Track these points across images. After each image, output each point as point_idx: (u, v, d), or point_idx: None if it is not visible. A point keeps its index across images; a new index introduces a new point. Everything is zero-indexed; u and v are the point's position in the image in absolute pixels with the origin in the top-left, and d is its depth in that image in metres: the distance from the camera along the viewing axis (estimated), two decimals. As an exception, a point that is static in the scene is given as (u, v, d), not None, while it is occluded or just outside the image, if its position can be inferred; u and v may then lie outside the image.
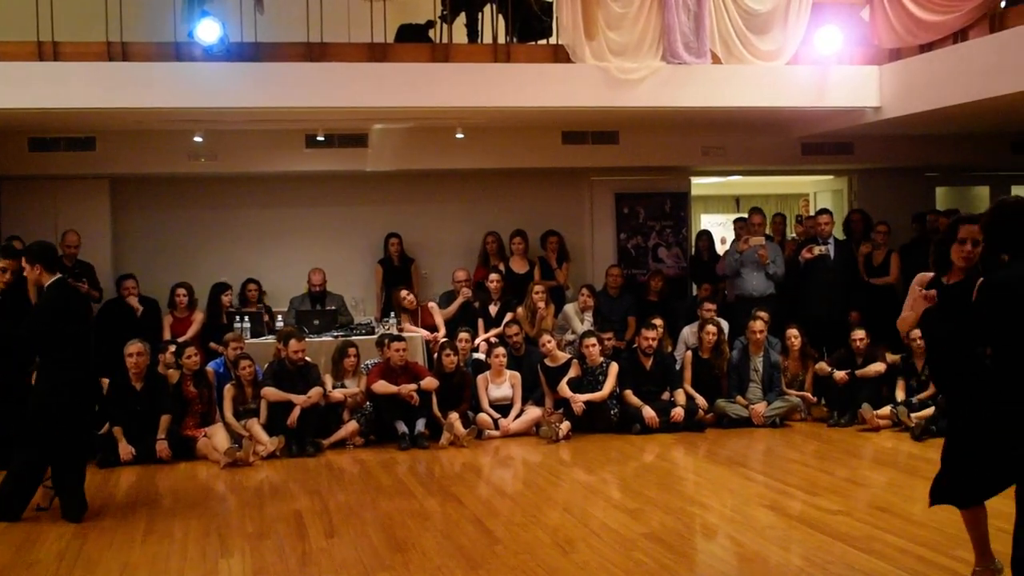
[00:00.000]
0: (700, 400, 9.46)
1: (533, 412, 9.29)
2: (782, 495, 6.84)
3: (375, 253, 11.53)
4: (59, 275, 6.54)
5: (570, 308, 10.62)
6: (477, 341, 10.13)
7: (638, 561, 5.41)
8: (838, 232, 11.19)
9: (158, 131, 10.55)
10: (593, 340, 9.46)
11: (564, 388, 9.23)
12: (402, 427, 8.77)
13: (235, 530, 6.27)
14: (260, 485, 7.57)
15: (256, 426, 8.62)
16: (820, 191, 14.69)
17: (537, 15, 9.99)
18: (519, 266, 11.26)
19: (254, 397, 8.83)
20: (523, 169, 11.71)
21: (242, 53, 9.08)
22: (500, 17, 10.06)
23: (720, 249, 12.62)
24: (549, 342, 9.55)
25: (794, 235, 12.99)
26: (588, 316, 10.47)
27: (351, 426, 8.86)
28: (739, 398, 9.55)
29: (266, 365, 9.04)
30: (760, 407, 9.40)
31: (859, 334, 9.54)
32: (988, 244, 4.53)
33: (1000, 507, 4.71)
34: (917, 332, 7.82)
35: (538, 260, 11.31)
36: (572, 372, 9.36)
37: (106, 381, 8.34)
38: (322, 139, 10.93)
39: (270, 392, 8.72)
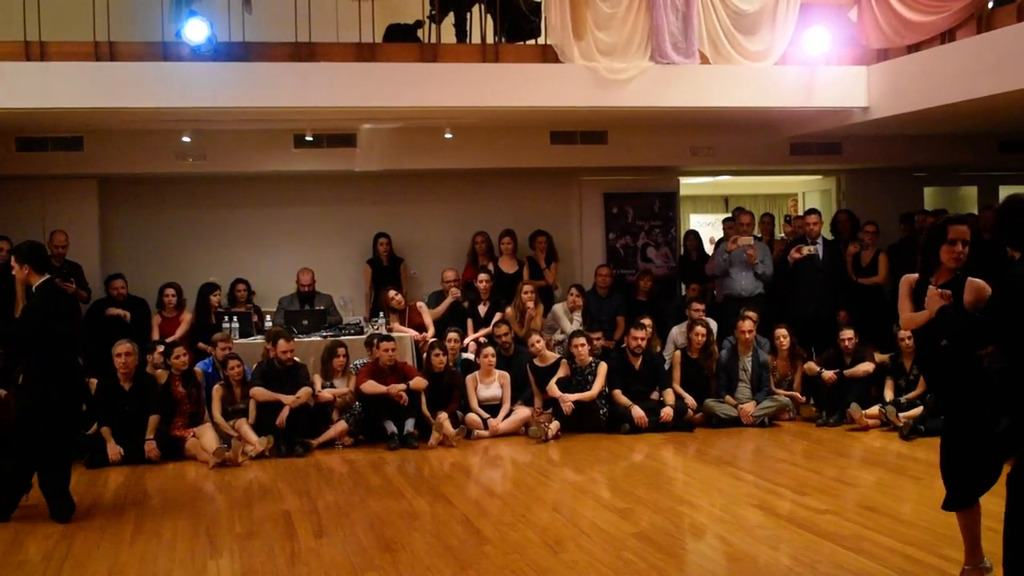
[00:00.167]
0: (689, 400, 9.46)
1: (522, 412, 9.29)
2: (771, 495, 6.85)
3: (364, 253, 11.51)
4: (48, 276, 6.52)
5: (559, 308, 10.62)
6: (466, 341, 10.14)
7: (627, 561, 5.42)
8: (826, 232, 11.22)
9: (146, 131, 10.51)
10: (582, 340, 9.46)
11: (553, 388, 9.24)
12: (391, 427, 8.76)
13: (224, 530, 6.26)
14: (249, 485, 7.56)
15: (245, 426, 8.61)
16: (808, 191, 14.71)
17: (526, 15, 9.98)
18: (508, 266, 11.25)
19: (243, 397, 8.82)
20: (512, 169, 11.70)
21: (230, 53, 9.06)
22: (489, 17, 10.04)
23: (708, 249, 12.64)
24: (538, 342, 9.56)
25: (783, 235, 13.02)
26: (577, 316, 10.48)
27: (340, 426, 8.84)
28: (728, 398, 9.56)
29: (255, 365, 9.05)
30: (749, 407, 9.41)
31: (847, 334, 9.56)
32: (996, 240, 4.51)
33: (989, 507, 4.73)
34: (906, 332, 7.88)
35: (527, 260, 11.31)
36: (561, 372, 9.36)
37: (94, 381, 8.30)
38: (310, 139, 10.90)
39: (259, 392, 8.71)
